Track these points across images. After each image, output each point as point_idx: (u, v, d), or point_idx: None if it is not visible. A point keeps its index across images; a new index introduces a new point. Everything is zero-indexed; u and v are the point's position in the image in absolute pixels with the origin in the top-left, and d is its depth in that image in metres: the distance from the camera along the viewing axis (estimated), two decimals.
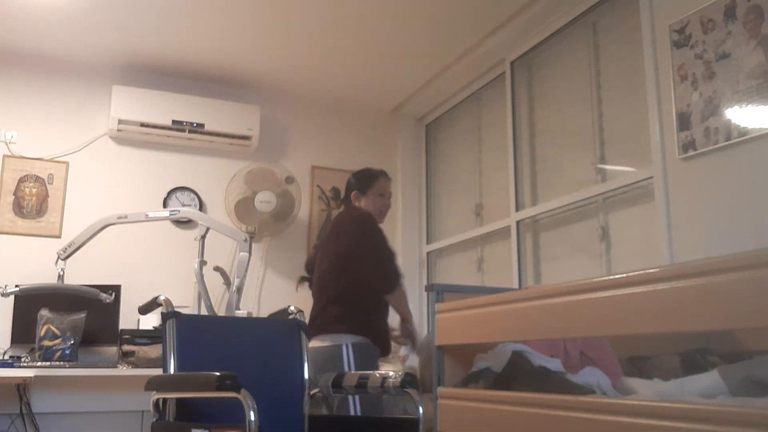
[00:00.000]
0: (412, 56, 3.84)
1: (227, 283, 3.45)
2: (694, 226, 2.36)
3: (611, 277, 1.46)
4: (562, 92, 3.32)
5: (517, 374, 1.83)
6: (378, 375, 2.00)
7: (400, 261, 2.85)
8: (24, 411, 3.09)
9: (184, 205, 3.99)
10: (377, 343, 2.56)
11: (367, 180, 2.81)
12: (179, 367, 1.97)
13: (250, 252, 3.19)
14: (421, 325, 4.23)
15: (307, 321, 2.36)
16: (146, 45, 3.74)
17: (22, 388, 3.07)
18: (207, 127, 3.96)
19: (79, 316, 3.34)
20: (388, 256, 2.62)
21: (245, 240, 3.18)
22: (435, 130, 4.59)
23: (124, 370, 3.21)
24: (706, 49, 2.34)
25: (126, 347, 3.33)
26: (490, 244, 3.83)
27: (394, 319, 2.71)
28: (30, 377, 2.89)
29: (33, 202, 3.71)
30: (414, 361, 3.26)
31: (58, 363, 3.16)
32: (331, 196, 4.38)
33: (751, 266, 1.15)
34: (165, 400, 1.91)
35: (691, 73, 2.39)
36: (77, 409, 3.17)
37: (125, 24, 3.49)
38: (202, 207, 4.05)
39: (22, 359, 3.17)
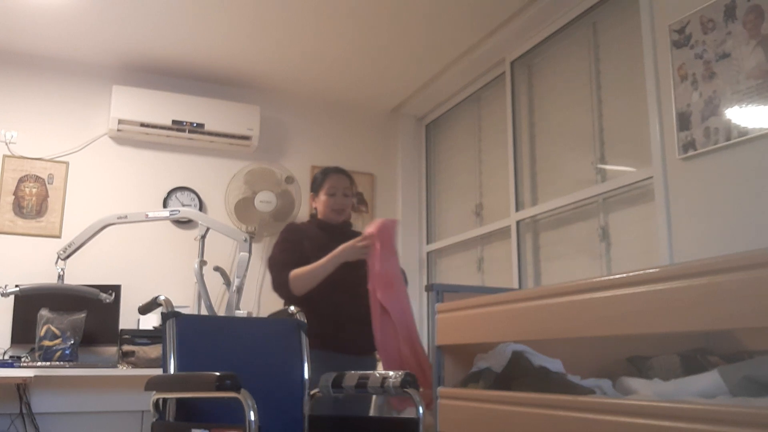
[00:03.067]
0: (412, 56, 3.83)
1: (227, 283, 3.45)
2: (694, 226, 2.36)
3: (611, 277, 1.46)
4: (562, 92, 3.31)
5: (517, 374, 1.83)
6: (378, 375, 2.00)
7: (402, 261, 2.63)
8: (24, 411, 3.09)
9: (184, 205, 3.99)
10: (322, 347, 2.40)
11: (318, 180, 2.79)
12: (179, 367, 1.97)
13: (250, 252, 3.19)
14: (421, 325, 4.23)
15: (307, 321, 2.35)
16: (146, 45, 3.74)
17: (22, 388, 3.07)
18: (207, 127, 3.96)
19: (79, 316, 3.34)
20: (274, 260, 2.60)
21: (245, 240, 3.18)
22: (435, 130, 4.59)
23: (124, 370, 3.21)
24: (706, 49, 2.34)
25: (126, 347, 3.33)
26: (490, 244, 3.83)
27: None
28: (30, 377, 2.89)
29: (33, 202, 3.71)
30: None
31: (58, 363, 3.16)
32: None
33: (751, 266, 1.15)
34: (165, 400, 1.91)
35: (691, 73, 2.39)
36: (77, 409, 3.18)
37: (125, 24, 3.49)
38: (202, 207, 4.05)
39: (22, 359, 3.17)
